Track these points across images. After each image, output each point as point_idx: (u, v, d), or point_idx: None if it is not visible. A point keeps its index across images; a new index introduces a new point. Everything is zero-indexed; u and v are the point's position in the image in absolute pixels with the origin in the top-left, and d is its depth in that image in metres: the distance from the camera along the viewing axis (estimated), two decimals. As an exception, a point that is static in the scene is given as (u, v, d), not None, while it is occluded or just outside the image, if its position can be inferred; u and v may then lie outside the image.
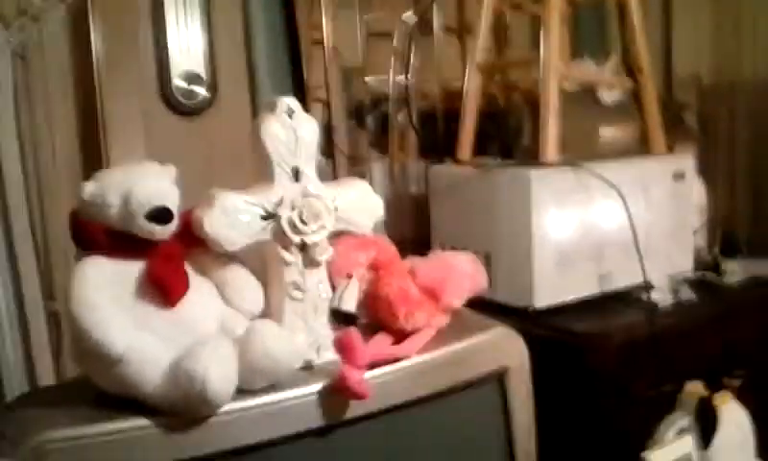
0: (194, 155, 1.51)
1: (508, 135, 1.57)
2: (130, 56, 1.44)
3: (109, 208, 0.79)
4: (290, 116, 0.84)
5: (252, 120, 1.54)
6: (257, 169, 1.52)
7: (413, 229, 1.71)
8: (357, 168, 1.74)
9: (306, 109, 1.56)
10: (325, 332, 0.88)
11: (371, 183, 1.65)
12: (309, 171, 0.86)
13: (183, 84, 1.50)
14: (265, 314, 0.87)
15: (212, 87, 1.53)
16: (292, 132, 0.84)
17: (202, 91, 1.52)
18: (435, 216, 1.60)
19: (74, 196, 1.37)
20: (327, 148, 1.62)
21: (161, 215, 0.78)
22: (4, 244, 1.32)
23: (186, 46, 1.50)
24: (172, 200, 0.79)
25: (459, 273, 0.92)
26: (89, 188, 0.80)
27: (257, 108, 1.57)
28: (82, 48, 1.39)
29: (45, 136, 1.37)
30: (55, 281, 1.40)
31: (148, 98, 1.47)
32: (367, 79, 1.70)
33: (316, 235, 0.85)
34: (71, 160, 1.41)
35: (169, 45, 1.48)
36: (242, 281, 0.87)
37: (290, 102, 0.85)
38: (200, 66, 1.52)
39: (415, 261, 0.95)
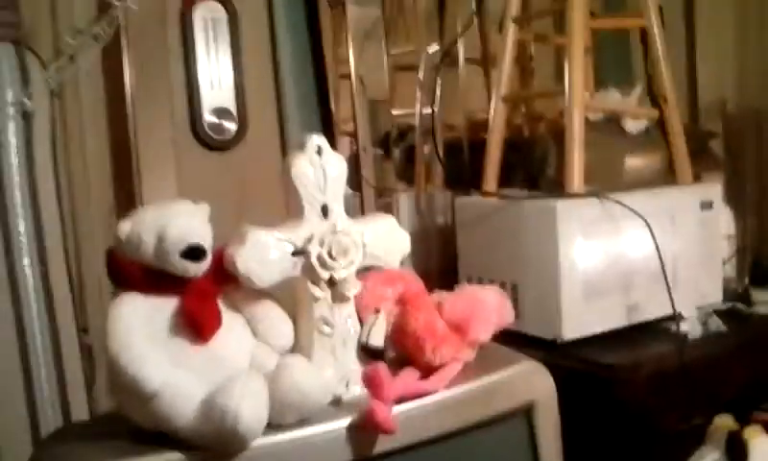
0: (224, 188, 1.54)
1: (533, 166, 1.58)
2: (161, 91, 1.48)
3: (145, 247, 0.81)
4: (319, 154, 0.87)
5: (281, 154, 1.60)
6: (286, 203, 1.55)
7: (440, 259, 1.72)
8: (384, 199, 1.76)
9: (334, 141, 1.60)
10: (354, 367, 0.90)
11: (397, 215, 1.70)
12: (338, 207, 0.88)
13: (214, 119, 1.54)
14: (295, 349, 0.89)
15: (242, 122, 1.56)
16: (321, 170, 0.87)
17: (231, 126, 1.55)
18: (462, 247, 1.61)
19: (107, 231, 1.43)
20: (355, 180, 1.64)
21: (195, 253, 0.81)
22: (40, 279, 1.35)
23: (216, 81, 1.54)
24: (205, 238, 0.82)
25: (485, 307, 0.93)
26: (125, 227, 0.83)
27: (286, 142, 1.60)
28: (115, 85, 1.44)
29: (80, 173, 1.42)
30: (89, 316, 1.43)
31: (179, 133, 1.51)
32: (393, 111, 1.72)
33: (344, 271, 0.86)
34: (105, 196, 1.45)
35: (199, 80, 1.52)
36: (272, 317, 0.89)
37: (319, 140, 0.87)
38: (229, 101, 1.55)
39: (441, 295, 0.96)
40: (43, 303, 1.37)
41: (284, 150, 1.61)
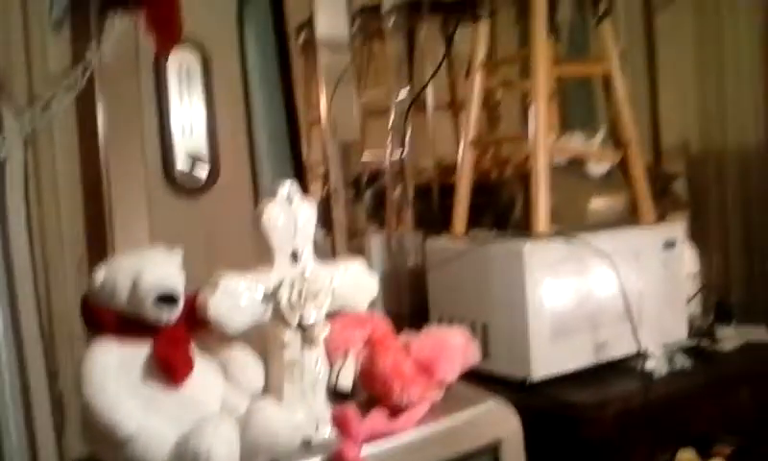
0: (195, 233, 1.56)
1: (501, 208, 1.63)
2: (134, 138, 1.51)
3: (119, 293, 0.84)
4: (290, 201, 0.91)
5: (253, 199, 1.63)
6: (258, 249, 1.58)
7: (411, 300, 1.76)
8: (355, 241, 1.79)
9: (306, 185, 1.64)
10: (324, 409, 0.93)
11: (369, 256, 1.74)
12: (307, 252, 0.92)
13: (186, 165, 1.57)
14: (265, 391, 0.92)
15: (214, 167, 1.60)
16: (291, 217, 0.90)
17: (203, 171, 1.59)
18: (432, 288, 1.64)
19: (78, 278, 1.44)
20: (326, 222, 1.68)
21: (168, 300, 0.84)
22: (11, 324, 1.36)
23: (189, 127, 1.58)
24: (178, 285, 0.85)
25: (451, 348, 0.97)
26: (100, 274, 0.86)
27: (258, 186, 1.64)
28: (88, 131, 1.46)
29: (52, 219, 1.43)
30: (59, 362, 1.43)
31: (151, 178, 1.53)
32: (364, 155, 1.77)
33: (314, 315, 0.90)
34: (77, 242, 1.47)
35: (172, 126, 1.56)
36: (243, 361, 0.92)
37: (290, 188, 0.91)
38: (202, 147, 1.59)
39: (408, 337, 1.00)
40: (13, 348, 1.38)
41: (256, 195, 1.65)
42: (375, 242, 1.79)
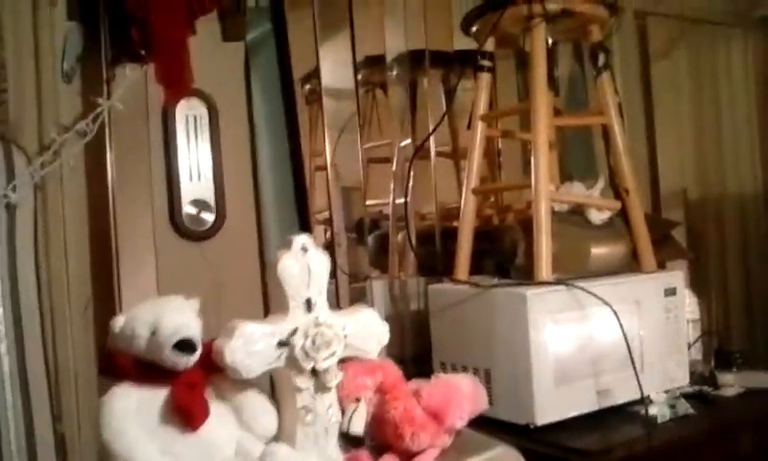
0: (201, 278, 1.60)
1: (503, 255, 1.67)
2: (142, 184, 1.55)
3: (138, 340, 0.88)
4: (304, 252, 0.95)
5: (258, 244, 1.68)
6: (265, 295, 1.62)
7: (413, 345, 1.79)
8: (358, 286, 1.83)
9: (310, 230, 1.68)
10: (335, 455, 0.96)
11: (371, 301, 1.77)
12: (321, 301, 0.96)
13: (192, 210, 1.62)
14: (278, 437, 0.95)
15: (219, 213, 1.64)
16: (305, 267, 0.95)
17: (209, 217, 1.63)
18: (435, 333, 1.68)
19: (84, 321, 1.47)
20: (330, 267, 1.71)
21: (186, 347, 0.87)
22: (17, 366, 1.39)
23: (196, 174, 1.62)
24: (196, 332, 0.89)
25: (461, 395, 1.00)
26: (120, 322, 0.90)
27: (263, 232, 1.68)
28: (97, 178, 1.51)
29: (60, 263, 1.47)
30: (63, 405, 1.46)
31: (158, 223, 1.57)
32: (367, 201, 1.82)
33: (327, 362, 0.94)
34: (83, 286, 1.50)
35: (179, 173, 1.60)
36: (257, 406, 0.95)
37: (304, 240, 0.96)
38: (208, 193, 1.63)
39: (419, 384, 1.03)
40: (18, 389, 1.40)
41: (261, 240, 1.69)
42: (378, 287, 1.83)
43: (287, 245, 0.95)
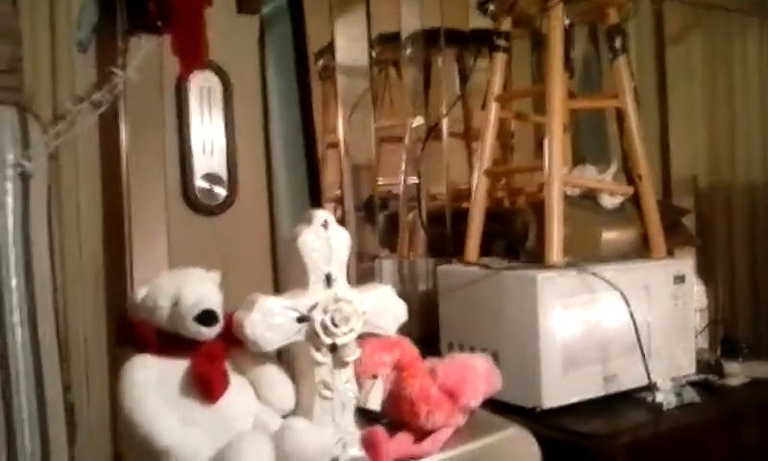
0: (212, 252, 1.60)
1: (514, 237, 1.68)
2: (155, 156, 1.56)
3: (159, 311, 0.90)
4: (325, 228, 0.96)
5: (269, 219, 1.68)
6: (274, 269, 1.62)
7: (421, 326, 1.79)
8: (366, 265, 1.84)
9: (321, 207, 1.69)
10: (352, 429, 0.97)
11: (380, 280, 1.79)
12: (340, 277, 0.97)
13: (204, 184, 1.62)
14: (296, 411, 0.97)
15: (231, 188, 1.65)
16: (326, 242, 0.96)
17: (221, 191, 1.64)
18: (443, 314, 1.69)
19: (95, 291, 1.48)
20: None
21: (208, 318, 0.89)
22: (29, 336, 1.40)
23: (209, 148, 1.63)
24: (218, 304, 0.90)
25: (476, 375, 1.02)
26: (142, 292, 0.91)
27: (274, 207, 1.69)
28: (111, 149, 1.52)
29: (73, 233, 1.48)
30: (73, 375, 1.47)
31: (170, 196, 1.58)
32: (378, 180, 1.82)
33: (346, 337, 0.95)
34: (95, 256, 1.51)
35: (192, 146, 1.61)
36: (275, 380, 0.97)
37: (325, 215, 0.97)
38: (220, 167, 1.64)
39: (435, 362, 1.05)
40: (31, 358, 1.41)
41: (272, 215, 1.70)
42: (387, 266, 1.84)
43: (307, 220, 0.96)
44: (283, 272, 1.64)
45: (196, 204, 1.62)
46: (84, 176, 1.50)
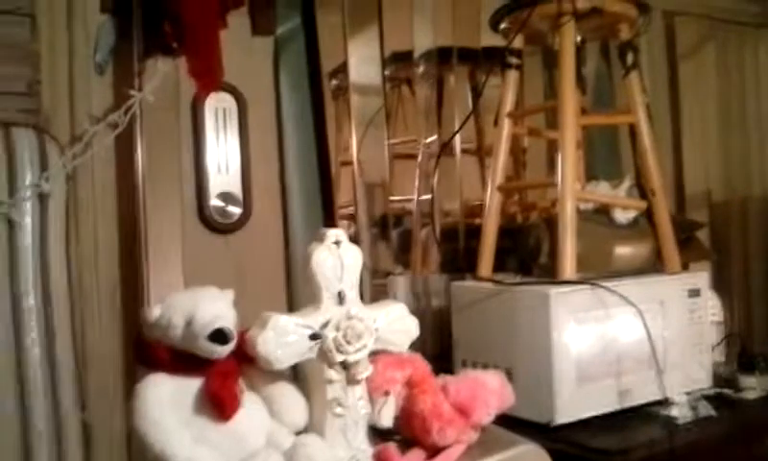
0: (226, 271, 1.62)
1: (527, 253, 1.68)
2: (171, 176, 1.57)
3: (173, 329, 0.90)
4: (337, 245, 0.97)
5: (284, 238, 1.70)
6: (288, 287, 1.63)
7: (435, 342, 1.80)
8: (379, 281, 1.84)
9: (335, 225, 1.70)
10: (364, 447, 0.98)
11: (393, 297, 1.79)
12: (353, 294, 0.98)
13: (219, 203, 1.64)
14: (308, 428, 0.97)
15: (246, 206, 1.66)
16: (338, 259, 0.97)
17: (236, 210, 1.65)
18: (457, 331, 1.69)
19: (111, 310, 1.50)
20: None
21: (222, 337, 0.89)
22: (46, 356, 1.41)
23: (224, 167, 1.65)
24: (231, 323, 0.91)
25: (488, 391, 1.02)
26: (156, 311, 0.92)
27: (288, 226, 1.70)
28: (127, 170, 1.53)
29: (90, 253, 1.50)
30: (89, 393, 1.48)
31: (186, 216, 1.60)
32: (392, 197, 1.83)
33: (358, 354, 0.96)
34: (111, 276, 1.53)
35: (208, 165, 1.63)
36: (288, 397, 0.98)
37: (338, 233, 0.97)
38: (235, 186, 1.65)
39: (447, 379, 1.05)
40: (48, 379, 1.43)
41: (286, 234, 1.71)
42: (400, 283, 1.84)
43: (320, 238, 0.97)
44: (297, 289, 1.65)
45: (211, 222, 1.63)
46: (100, 196, 1.52)
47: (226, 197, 1.65)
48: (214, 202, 1.64)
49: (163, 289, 1.44)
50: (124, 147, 1.52)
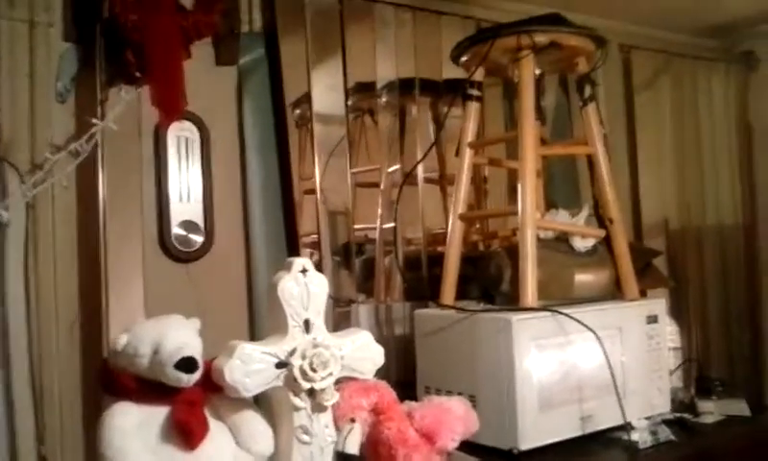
0: (188, 300, 1.61)
1: (489, 280, 1.71)
2: (133, 204, 1.57)
3: (140, 358, 0.92)
4: (304, 274, 0.99)
5: (246, 266, 1.71)
6: (250, 316, 1.64)
7: (398, 370, 1.82)
8: (342, 310, 1.85)
9: (298, 253, 1.71)
10: (331, 473, 0.99)
11: (356, 325, 1.81)
12: (319, 322, 1.00)
13: (182, 232, 1.65)
14: (274, 456, 0.99)
15: (208, 235, 1.67)
16: (305, 288, 0.99)
17: (198, 239, 1.66)
18: (420, 358, 1.71)
19: (70, 340, 1.49)
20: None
21: (189, 365, 0.91)
22: (3, 386, 1.40)
23: (186, 195, 1.66)
24: (198, 351, 0.93)
25: (453, 416, 1.05)
26: (123, 339, 0.93)
27: (251, 254, 1.71)
28: (88, 199, 1.53)
29: (49, 283, 1.49)
30: (47, 427, 1.47)
31: (148, 245, 1.60)
32: (355, 225, 1.85)
33: (324, 382, 0.98)
34: (70, 306, 1.52)
35: (170, 194, 1.64)
36: (254, 425, 0.99)
37: (304, 262, 1.00)
38: (197, 214, 1.66)
39: (412, 405, 1.07)
40: (5, 412, 1.41)
41: (249, 262, 1.72)
42: (363, 311, 1.86)
43: (287, 267, 0.99)
44: (259, 319, 1.66)
45: (172, 251, 1.64)
46: (60, 225, 1.51)
47: (188, 225, 1.66)
48: (176, 230, 1.64)
49: (124, 319, 1.44)
50: (85, 176, 1.52)
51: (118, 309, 1.52)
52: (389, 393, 1.08)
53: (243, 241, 1.73)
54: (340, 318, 1.82)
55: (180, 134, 1.65)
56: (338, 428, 1.01)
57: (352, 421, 1.02)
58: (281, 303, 0.98)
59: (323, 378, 0.97)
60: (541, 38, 1.60)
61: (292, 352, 0.97)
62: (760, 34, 2.57)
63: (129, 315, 1.46)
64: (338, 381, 1.01)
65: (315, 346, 0.98)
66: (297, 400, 0.97)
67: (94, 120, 1.46)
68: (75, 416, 1.49)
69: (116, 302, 1.52)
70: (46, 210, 1.49)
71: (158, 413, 0.92)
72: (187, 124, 1.65)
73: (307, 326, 0.99)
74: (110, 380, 0.93)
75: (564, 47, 1.64)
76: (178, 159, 1.65)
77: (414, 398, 1.48)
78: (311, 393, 0.98)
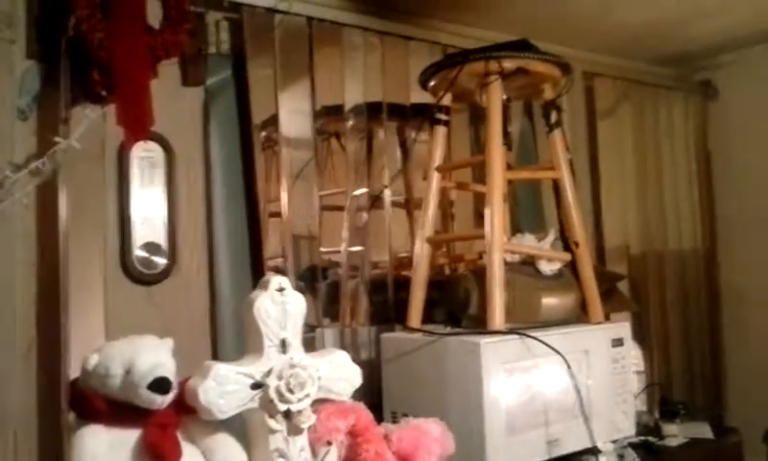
0: (151, 321, 1.60)
1: (456, 303, 1.73)
2: (95, 225, 1.56)
3: (112, 379, 0.90)
4: (281, 292, 0.99)
5: (209, 288, 1.69)
6: (213, 338, 1.63)
7: (364, 395, 1.81)
8: (308, 335, 1.85)
9: (262, 275, 1.71)
10: (306, 497, 0.99)
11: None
12: (296, 342, 1.00)
13: (144, 254, 1.63)
14: (248, 480, 0.98)
15: (171, 257, 1.66)
16: (281, 307, 0.99)
17: (161, 261, 1.65)
18: (387, 382, 1.71)
19: (27, 363, 1.46)
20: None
21: (162, 386, 0.90)
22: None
23: (149, 217, 1.64)
24: (171, 371, 0.92)
25: (430, 438, 1.05)
26: (93, 359, 0.92)
27: (214, 276, 1.70)
28: (49, 218, 1.51)
29: (7, 303, 1.46)
30: (2, 453, 1.43)
31: (109, 266, 1.58)
32: (322, 249, 1.86)
33: (301, 403, 0.98)
34: (28, 327, 1.49)
35: (132, 215, 1.62)
36: (228, 449, 0.98)
37: (281, 280, 1.00)
38: (161, 237, 1.65)
39: (389, 427, 1.08)
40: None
41: (213, 285, 1.71)
42: (329, 336, 1.86)
43: (263, 285, 0.99)
44: (223, 341, 1.65)
45: (134, 273, 1.62)
46: (19, 245, 1.49)
47: (150, 247, 1.64)
48: (138, 252, 1.63)
49: (84, 342, 1.42)
50: (46, 195, 1.50)
51: (78, 331, 1.50)
52: (366, 415, 1.08)
53: (207, 264, 1.72)
54: (305, 343, 1.80)
55: (145, 155, 1.64)
56: (314, 452, 1.01)
57: (329, 443, 1.02)
58: (257, 323, 0.98)
59: (299, 400, 0.97)
60: (509, 64, 1.64)
61: (268, 373, 0.97)
62: (718, 65, 2.67)
63: (89, 338, 1.44)
64: (314, 403, 1.01)
65: (292, 366, 0.98)
66: (272, 423, 0.97)
67: (57, 138, 1.45)
68: (31, 442, 1.46)
69: (76, 324, 1.50)
70: (5, 230, 1.47)
71: (130, 436, 0.91)
72: (152, 144, 1.64)
73: (284, 345, 0.99)
74: (80, 402, 0.92)
75: (531, 73, 1.68)
76: (141, 180, 1.64)
77: (380, 422, 1.48)
78: (287, 415, 0.98)
